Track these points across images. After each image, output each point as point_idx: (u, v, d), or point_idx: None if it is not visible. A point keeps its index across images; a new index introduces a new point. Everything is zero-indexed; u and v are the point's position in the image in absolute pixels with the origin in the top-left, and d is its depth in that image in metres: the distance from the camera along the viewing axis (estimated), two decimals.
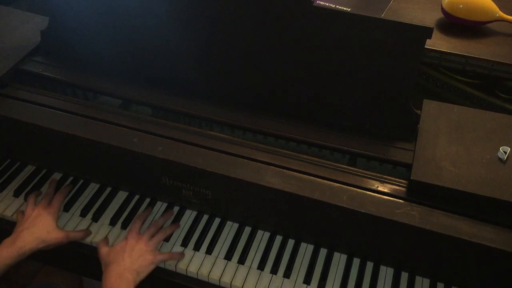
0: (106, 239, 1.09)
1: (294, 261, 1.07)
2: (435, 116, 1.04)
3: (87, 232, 1.11)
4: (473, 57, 1.18)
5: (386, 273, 1.05)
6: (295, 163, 0.99)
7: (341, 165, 1.00)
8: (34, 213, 1.08)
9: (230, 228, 1.13)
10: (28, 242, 1.02)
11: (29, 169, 1.25)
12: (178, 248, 1.10)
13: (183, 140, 1.04)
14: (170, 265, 1.07)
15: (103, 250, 1.04)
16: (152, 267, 1.03)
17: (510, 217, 0.89)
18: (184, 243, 1.10)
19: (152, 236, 1.07)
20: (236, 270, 1.06)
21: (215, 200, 1.06)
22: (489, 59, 1.17)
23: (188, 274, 1.07)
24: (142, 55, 1.15)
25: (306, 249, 1.09)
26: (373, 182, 0.97)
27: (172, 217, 1.14)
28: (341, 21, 0.97)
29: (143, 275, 1.01)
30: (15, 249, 1.01)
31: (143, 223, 1.10)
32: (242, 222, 1.13)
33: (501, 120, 1.03)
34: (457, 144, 0.98)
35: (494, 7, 1.25)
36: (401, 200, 0.93)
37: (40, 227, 1.05)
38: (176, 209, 1.16)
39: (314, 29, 1.00)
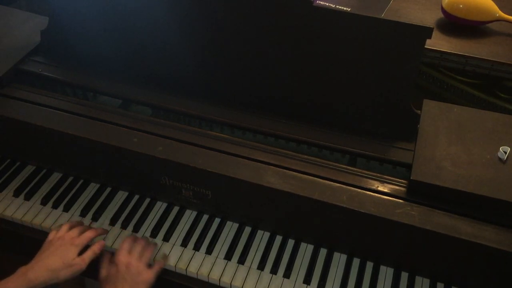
0: (106, 259, 1.04)
1: (294, 261, 1.07)
2: (435, 116, 1.04)
3: (102, 243, 1.06)
4: (473, 57, 1.18)
5: (386, 273, 1.05)
6: (295, 163, 1.00)
7: (341, 165, 1.00)
8: (58, 241, 1.02)
9: (230, 228, 1.13)
10: (41, 275, 0.96)
11: (29, 169, 1.25)
12: (178, 248, 1.09)
13: (183, 140, 1.04)
14: (169, 265, 1.07)
15: (101, 275, 1.01)
16: (150, 283, 1.00)
17: (510, 217, 0.89)
18: (184, 243, 1.10)
19: (141, 253, 1.03)
20: (236, 270, 1.06)
21: (215, 200, 1.06)
22: (489, 59, 1.17)
23: (188, 274, 1.07)
24: (142, 55, 1.15)
25: (306, 249, 1.09)
26: (373, 182, 0.97)
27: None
28: (341, 21, 0.97)
29: None
30: (24, 281, 0.95)
31: (132, 244, 1.05)
32: (242, 222, 1.13)
33: (501, 120, 1.03)
34: (457, 144, 0.98)
35: (494, 7, 1.25)
36: (401, 200, 0.93)
37: (58, 259, 0.99)
38: (176, 209, 1.16)
39: (314, 29, 1.00)
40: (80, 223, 1.11)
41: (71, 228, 1.06)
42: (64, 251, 1.00)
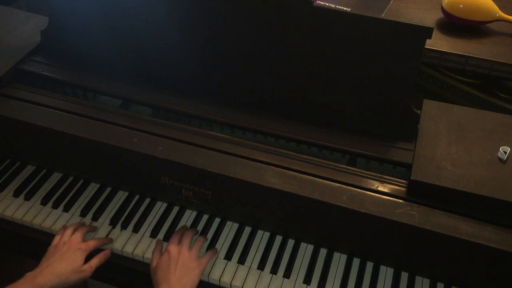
0: (159, 251, 1.05)
1: (294, 261, 1.07)
2: (435, 116, 1.04)
3: (106, 253, 1.07)
4: (473, 57, 1.18)
5: (386, 273, 1.05)
6: (295, 163, 0.99)
7: (341, 165, 1.00)
8: (65, 247, 1.03)
9: (230, 228, 1.13)
10: (50, 280, 0.97)
11: (29, 169, 1.25)
12: None
13: (183, 140, 1.04)
14: None
15: (153, 265, 1.02)
16: (200, 275, 1.01)
17: (510, 217, 0.89)
18: None
19: (190, 244, 1.05)
20: (236, 270, 1.06)
21: (215, 200, 1.06)
22: (489, 59, 1.17)
23: None
24: (142, 55, 1.15)
25: (306, 249, 1.09)
26: (373, 182, 0.97)
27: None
28: (341, 21, 0.97)
29: (194, 285, 0.99)
30: (34, 286, 0.95)
31: (181, 236, 1.07)
32: (242, 222, 1.13)
33: (501, 120, 1.03)
34: (457, 144, 0.98)
35: (494, 7, 1.25)
36: (401, 200, 0.93)
37: (66, 265, 1.00)
38: (176, 209, 1.16)
39: (314, 29, 1.00)
40: (82, 224, 1.11)
41: (74, 231, 1.07)
42: (71, 256, 1.01)
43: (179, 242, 1.05)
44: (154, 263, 1.03)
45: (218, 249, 1.09)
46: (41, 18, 1.29)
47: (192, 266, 1.01)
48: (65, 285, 0.99)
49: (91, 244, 1.06)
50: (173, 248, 1.03)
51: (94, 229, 1.12)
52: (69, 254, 1.02)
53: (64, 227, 1.09)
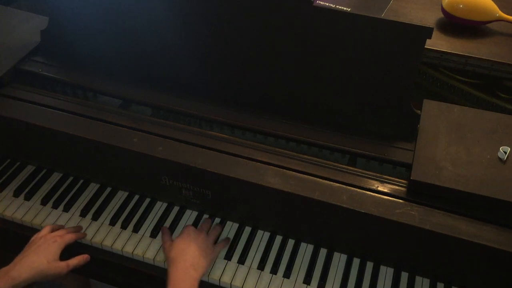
0: (168, 234, 1.08)
1: (294, 261, 1.07)
2: (435, 116, 1.04)
3: (85, 257, 1.06)
4: (473, 57, 1.18)
5: (386, 273, 1.05)
6: (295, 163, 1.00)
7: (341, 165, 1.00)
8: (41, 240, 1.03)
9: (230, 228, 1.13)
10: (24, 272, 0.96)
11: (29, 169, 1.25)
12: None
13: (183, 140, 1.04)
14: None
15: (166, 245, 1.05)
16: (212, 262, 1.04)
17: (510, 217, 0.89)
18: None
19: (207, 231, 1.09)
20: (236, 270, 1.06)
21: (215, 200, 1.06)
22: (489, 59, 1.17)
23: None
24: (142, 55, 1.15)
25: (306, 249, 1.09)
26: (373, 182, 0.97)
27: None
28: (341, 21, 0.97)
29: (205, 269, 1.02)
30: (8, 280, 0.94)
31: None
32: (242, 222, 1.13)
33: (501, 120, 1.03)
34: (457, 144, 0.98)
35: (494, 7, 1.25)
36: (401, 200, 0.93)
37: (41, 257, 1.00)
38: (176, 209, 1.16)
39: (314, 29, 1.00)
40: (61, 226, 1.11)
41: (53, 230, 1.08)
42: (47, 249, 1.02)
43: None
44: (167, 244, 1.05)
45: (218, 249, 1.09)
46: (41, 18, 1.29)
47: (207, 251, 1.03)
48: (40, 278, 0.99)
49: (67, 237, 1.06)
50: (192, 229, 1.06)
51: (79, 232, 1.11)
52: (45, 247, 1.02)
53: (45, 226, 1.09)
